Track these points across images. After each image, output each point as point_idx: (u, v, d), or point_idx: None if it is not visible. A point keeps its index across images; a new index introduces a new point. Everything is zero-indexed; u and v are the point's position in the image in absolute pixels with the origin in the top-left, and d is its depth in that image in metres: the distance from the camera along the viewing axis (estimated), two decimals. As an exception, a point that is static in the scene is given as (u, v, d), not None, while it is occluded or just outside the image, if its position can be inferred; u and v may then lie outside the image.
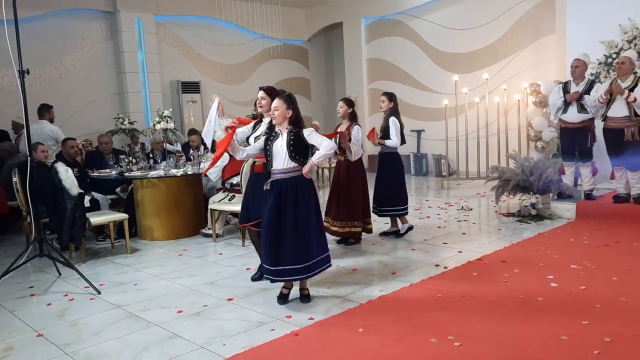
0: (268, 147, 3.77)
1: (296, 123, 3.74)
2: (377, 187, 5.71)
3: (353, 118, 5.30)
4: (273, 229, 3.68)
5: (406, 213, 5.79)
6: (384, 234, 5.84)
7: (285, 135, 3.72)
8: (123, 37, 9.88)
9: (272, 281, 3.82)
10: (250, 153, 3.99)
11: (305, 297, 3.90)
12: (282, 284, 3.92)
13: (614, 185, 6.52)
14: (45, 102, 7.59)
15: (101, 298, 4.25)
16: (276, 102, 3.74)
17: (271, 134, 3.81)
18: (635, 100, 5.76)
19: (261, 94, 4.17)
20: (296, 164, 3.73)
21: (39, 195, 4.91)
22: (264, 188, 3.77)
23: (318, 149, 3.75)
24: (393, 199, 5.67)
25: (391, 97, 5.64)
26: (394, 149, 5.65)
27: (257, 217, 4.04)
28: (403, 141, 5.65)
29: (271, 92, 4.11)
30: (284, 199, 3.70)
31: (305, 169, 3.76)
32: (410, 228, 5.87)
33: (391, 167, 5.70)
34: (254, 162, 4.27)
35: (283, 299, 3.89)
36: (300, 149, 3.72)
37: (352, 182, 5.32)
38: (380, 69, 11.96)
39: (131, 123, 9.36)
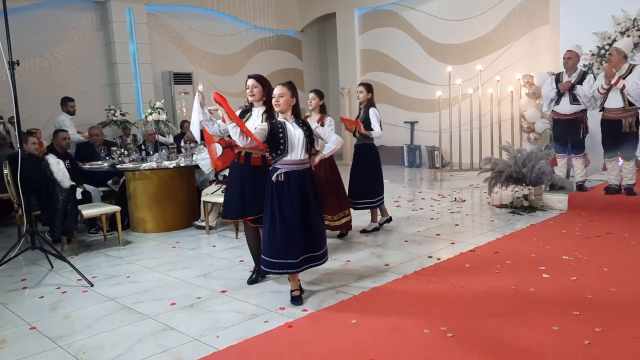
0: (281, 138, 3.58)
1: (298, 113, 3.72)
2: (356, 180, 5.60)
3: (323, 110, 5.28)
4: (302, 220, 3.62)
5: (382, 202, 5.73)
6: (365, 231, 5.70)
7: (296, 126, 3.64)
8: (114, 28, 9.78)
9: (294, 272, 3.71)
10: (223, 129, 4.03)
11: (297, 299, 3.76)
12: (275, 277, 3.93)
13: (605, 176, 6.56)
14: (35, 93, 7.55)
15: (94, 290, 4.24)
16: (280, 89, 3.64)
17: (277, 124, 3.62)
18: (624, 87, 5.77)
19: (251, 82, 3.97)
20: (308, 156, 3.71)
21: (31, 187, 4.87)
22: (275, 179, 3.61)
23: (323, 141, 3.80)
24: (375, 191, 5.61)
25: (369, 88, 5.56)
26: (371, 140, 5.57)
27: (257, 212, 3.93)
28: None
29: (262, 81, 3.99)
30: (305, 190, 3.65)
31: (315, 161, 3.77)
32: (389, 220, 5.86)
33: (373, 158, 5.62)
34: (247, 154, 4.04)
35: (299, 300, 3.73)
36: (312, 141, 3.74)
37: (335, 173, 5.31)
38: (374, 60, 11.93)
39: (123, 114, 9.28)
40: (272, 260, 3.66)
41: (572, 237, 5.10)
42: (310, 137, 3.70)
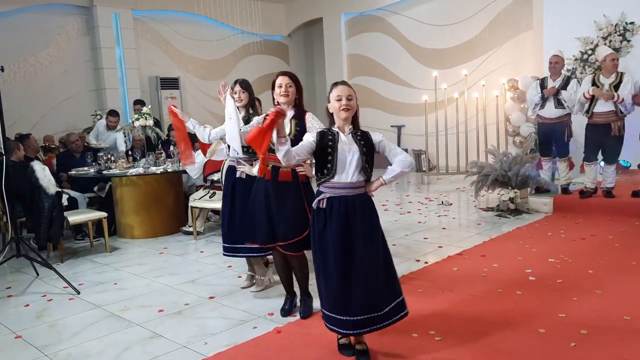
0: (329, 154, 2.78)
1: (357, 123, 2.93)
2: None
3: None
4: (343, 266, 2.76)
5: None
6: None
7: (352, 139, 2.83)
8: (100, 33, 9.71)
9: (343, 334, 2.87)
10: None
11: (363, 354, 2.89)
12: None
13: (581, 179, 6.62)
14: (20, 99, 7.51)
15: (80, 298, 4.20)
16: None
17: (329, 134, 2.83)
18: (622, 100, 5.78)
19: (286, 80, 3.42)
20: (364, 178, 2.84)
21: (16, 194, 4.82)
22: (316, 206, 2.84)
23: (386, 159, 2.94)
24: None
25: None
26: None
27: (288, 237, 3.35)
28: None
29: (296, 80, 3.50)
30: (351, 223, 2.79)
31: (373, 188, 2.88)
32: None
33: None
34: (275, 168, 3.39)
35: (348, 349, 2.96)
36: (371, 160, 2.87)
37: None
38: (361, 65, 11.98)
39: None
40: (328, 313, 2.85)
41: (557, 240, 5.16)
42: (370, 155, 2.85)
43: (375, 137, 2.89)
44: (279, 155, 2.71)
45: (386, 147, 2.91)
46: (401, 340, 3.07)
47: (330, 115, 2.91)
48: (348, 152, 2.78)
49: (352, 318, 2.75)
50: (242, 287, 4.20)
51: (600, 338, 2.99)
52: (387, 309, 2.81)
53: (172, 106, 4.28)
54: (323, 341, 3.12)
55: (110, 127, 7.69)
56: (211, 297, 4.04)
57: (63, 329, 3.59)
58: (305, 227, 3.28)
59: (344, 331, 2.81)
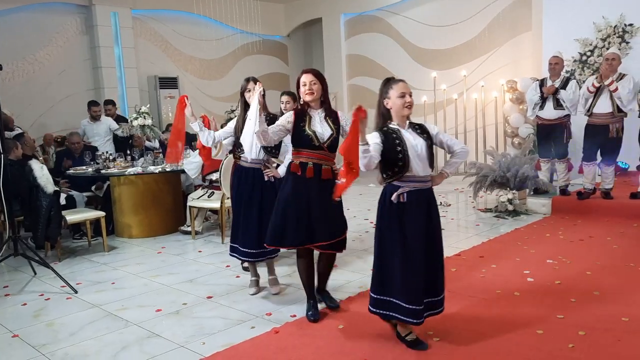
0: (400, 152, 2.79)
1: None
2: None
3: None
4: (422, 255, 2.86)
5: None
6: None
7: (414, 133, 2.88)
8: (99, 32, 9.69)
9: (416, 323, 2.88)
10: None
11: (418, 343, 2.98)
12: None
13: (580, 180, 6.62)
14: (18, 97, 7.49)
15: (78, 297, 4.19)
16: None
17: (391, 132, 2.86)
18: (616, 89, 5.78)
19: (309, 77, 3.33)
20: (431, 171, 2.92)
21: (14, 192, 4.81)
22: (396, 199, 2.83)
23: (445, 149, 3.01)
24: None
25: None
26: None
27: (328, 236, 3.34)
28: None
29: (321, 77, 3.40)
30: (429, 214, 2.91)
31: (440, 181, 2.99)
32: None
33: None
34: (317, 165, 3.32)
35: (421, 342, 2.99)
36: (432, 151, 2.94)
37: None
38: (360, 65, 11.97)
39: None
40: (383, 298, 2.95)
41: (555, 241, 5.16)
42: (432, 147, 2.92)
43: (432, 129, 2.95)
44: (362, 162, 2.67)
45: (443, 138, 2.99)
46: (399, 341, 3.06)
47: (387, 111, 2.91)
48: (416, 147, 2.83)
49: (420, 307, 2.83)
50: (251, 294, 4.01)
51: (599, 339, 2.99)
52: (441, 296, 3.00)
53: (185, 97, 4.02)
54: (320, 342, 3.12)
55: (95, 118, 7.66)
56: (209, 297, 4.03)
57: (60, 328, 3.58)
58: (346, 224, 3.50)
59: (414, 320, 2.84)
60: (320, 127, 3.32)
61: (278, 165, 3.95)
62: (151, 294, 4.20)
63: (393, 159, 2.80)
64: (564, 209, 6.30)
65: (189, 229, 6.05)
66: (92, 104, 7.78)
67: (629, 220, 5.70)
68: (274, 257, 4.07)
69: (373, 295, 2.99)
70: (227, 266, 4.79)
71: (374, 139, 2.81)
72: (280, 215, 3.36)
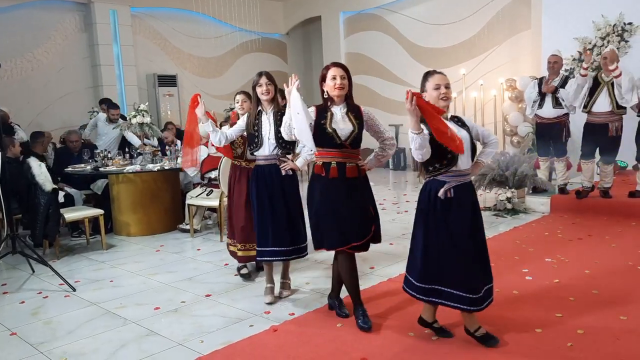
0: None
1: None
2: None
3: None
4: (471, 247, 2.86)
5: None
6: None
7: (455, 124, 2.85)
8: (98, 30, 9.68)
9: (476, 309, 2.88)
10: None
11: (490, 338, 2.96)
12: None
13: (578, 179, 6.62)
14: (17, 95, 7.45)
15: (76, 295, 4.19)
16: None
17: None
18: (620, 74, 5.63)
19: (339, 71, 3.25)
20: (471, 164, 2.91)
21: (12, 190, 4.80)
22: (443, 195, 2.80)
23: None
24: None
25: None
26: None
27: (361, 236, 3.23)
28: None
29: (348, 71, 3.31)
30: (475, 207, 2.91)
31: (477, 171, 3.01)
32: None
33: None
34: (340, 164, 3.20)
35: (492, 337, 2.97)
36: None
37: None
38: (359, 63, 11.96)
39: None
40: (434, 287, 2.90)
41: (554, 240, 5.16)
42: (473, 140, 2.90)
43: (469, 120, 2.92)
44: (418, 153, 2.67)
45: (478, 129, 2.98)
46: (398, 340, 3.07)
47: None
48: (467, 140, 2.78)
49: (477, 296, 2.83)
50: (267, 303, 3.77)
51: (597, 338, 2.99)
52: (491, 284, 2.98)
53: (198, 95, 3.92)
54: (319, 340, 3.12)
55: (113, 120, 7.47)
56: (208, 295, 4.03)
57: (58, 326, 3.58)
58: (375, 218, 3.32)
59: (472, 307, 2.85)
60: (342, 123, 3.20)
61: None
62: (149, 292, 4.20)
63: (442, 151, 2.72)
64: (562, 207, 6.31)
65: (188, 227, 6.04)
66: (111, 106, 7.58)
67: (627, 219, 5.70)
68: (303, 255, 3.87)
69: (418, 284, 2.93)
70: (226, 264, 4.79)
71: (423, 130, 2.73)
72: (314, 225, 3.28)
